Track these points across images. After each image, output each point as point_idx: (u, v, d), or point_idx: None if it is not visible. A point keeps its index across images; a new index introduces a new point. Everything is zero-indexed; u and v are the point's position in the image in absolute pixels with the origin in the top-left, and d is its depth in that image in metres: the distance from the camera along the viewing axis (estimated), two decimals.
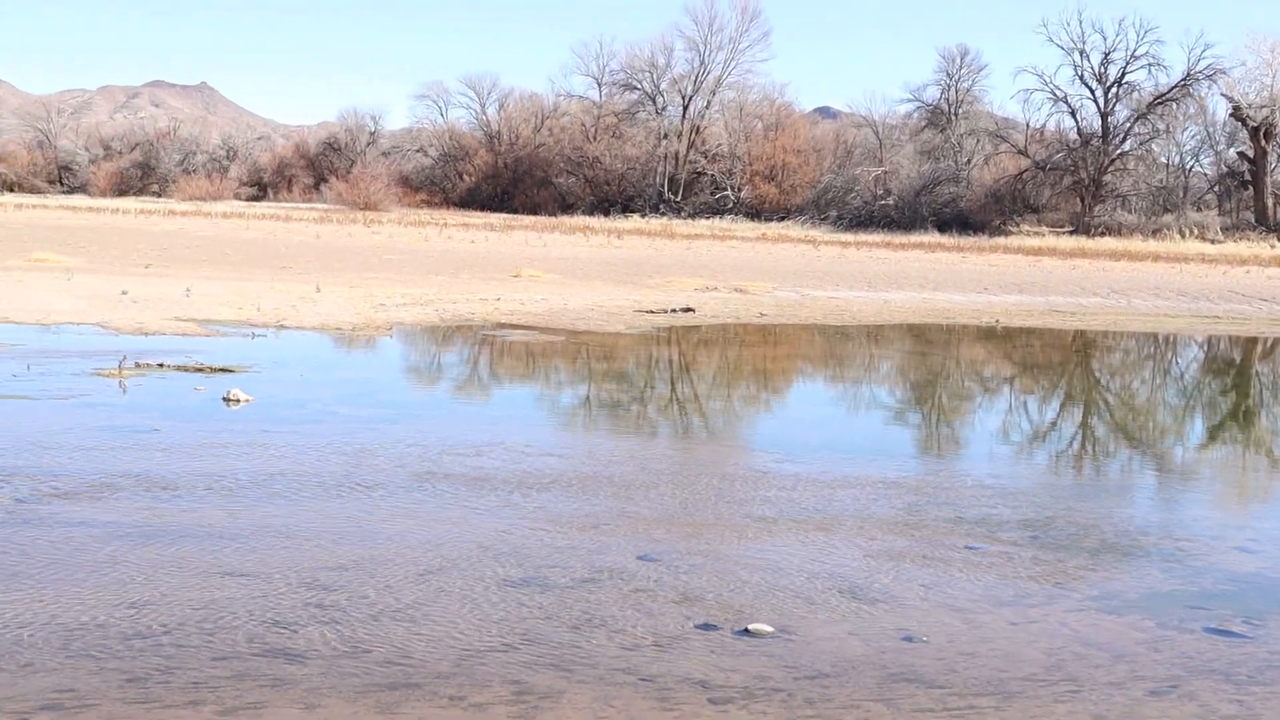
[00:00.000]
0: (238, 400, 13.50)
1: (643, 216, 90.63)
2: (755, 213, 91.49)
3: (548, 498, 9.82)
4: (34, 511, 8.76)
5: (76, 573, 7.49)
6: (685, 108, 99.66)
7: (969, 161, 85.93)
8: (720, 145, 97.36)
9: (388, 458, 11.01)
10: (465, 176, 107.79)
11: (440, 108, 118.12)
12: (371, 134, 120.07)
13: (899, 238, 71.73)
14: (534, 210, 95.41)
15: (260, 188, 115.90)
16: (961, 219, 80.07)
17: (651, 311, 26.07)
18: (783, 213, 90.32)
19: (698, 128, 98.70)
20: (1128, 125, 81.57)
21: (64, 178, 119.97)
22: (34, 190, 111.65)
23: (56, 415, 12.40)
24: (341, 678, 6.08)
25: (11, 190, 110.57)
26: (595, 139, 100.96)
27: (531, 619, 7.00)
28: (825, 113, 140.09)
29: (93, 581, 7.34)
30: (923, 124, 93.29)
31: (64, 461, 10.33)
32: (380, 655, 6.39)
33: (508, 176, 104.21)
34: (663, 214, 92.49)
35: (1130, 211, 79.24)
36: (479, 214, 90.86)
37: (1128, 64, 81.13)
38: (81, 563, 7.67)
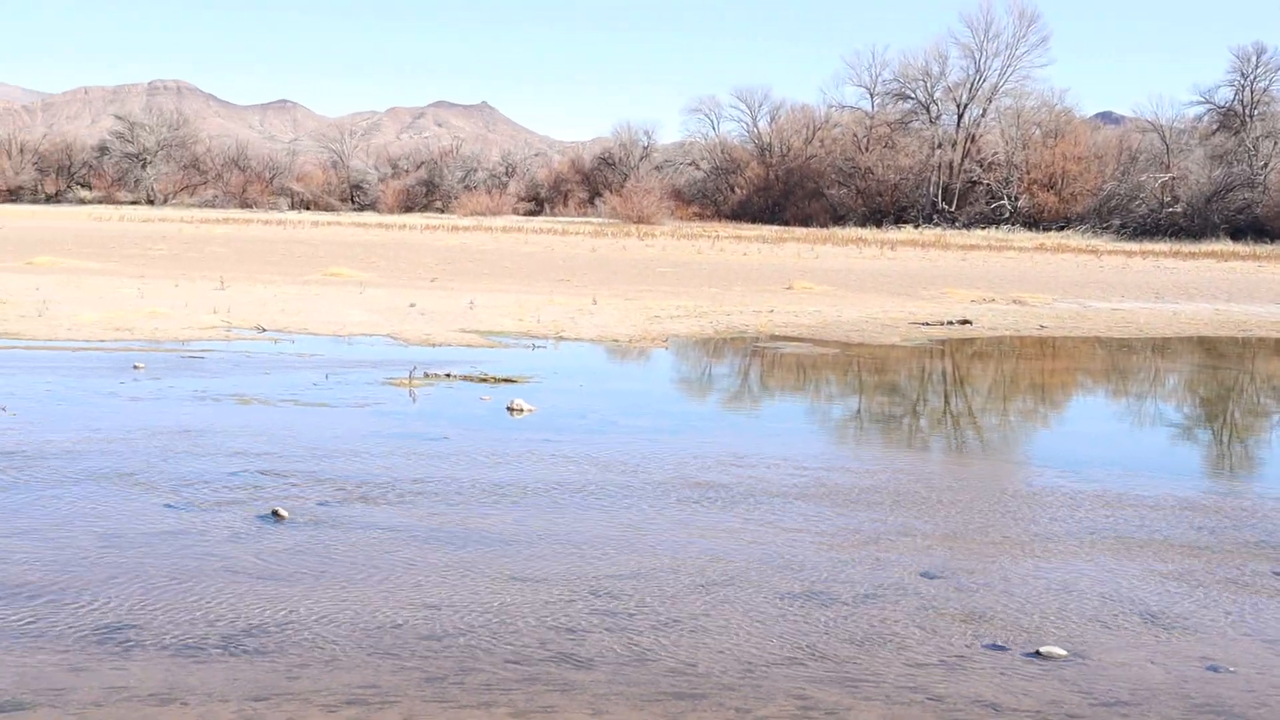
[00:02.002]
0: (521, 410, 13.88)
1: (915, 227, 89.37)
2: (1033, 222, 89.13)
3: (826, 511, 9.75)
4: (336, 514, 9.19)
5: (375, 574, 7.81)
6: (960, 116, 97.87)
7: (1265, 165, 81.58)
8: (996, 153, 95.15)
9: (667, 468, 11.12)
10: (736, 189, 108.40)
11: (712, 121, 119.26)
12: (644, 148, 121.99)
13: (1188, 246, 68.78)
14: (805, 222, 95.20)
15: (537, 202, 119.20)
16: (1257, 226, 76.13)
17: (926, 324, 25.64)
18: (1062, 222, 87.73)
19: (973, 136, 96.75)
20: None
21: (355, 196, 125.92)
22: (328, 208, 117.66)
23: (353, 422, 12.99)
24: (628, 685, 6.16)
25: (308, 208, 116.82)
26: (867, 149, 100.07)
27: (815, 633, 6.96)
28: (1107, 118, 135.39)
29: (391, 583, 7.64)
30: (1214, 127, 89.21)
31: (362, 467, 10.81)
32: (665, 664, 6.45)
33: (779, 188, 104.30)
34: (936, 224, 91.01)
35: None
36: (750, 226, 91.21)
37: None
38: (380, 564, 8.01)
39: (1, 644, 6.49)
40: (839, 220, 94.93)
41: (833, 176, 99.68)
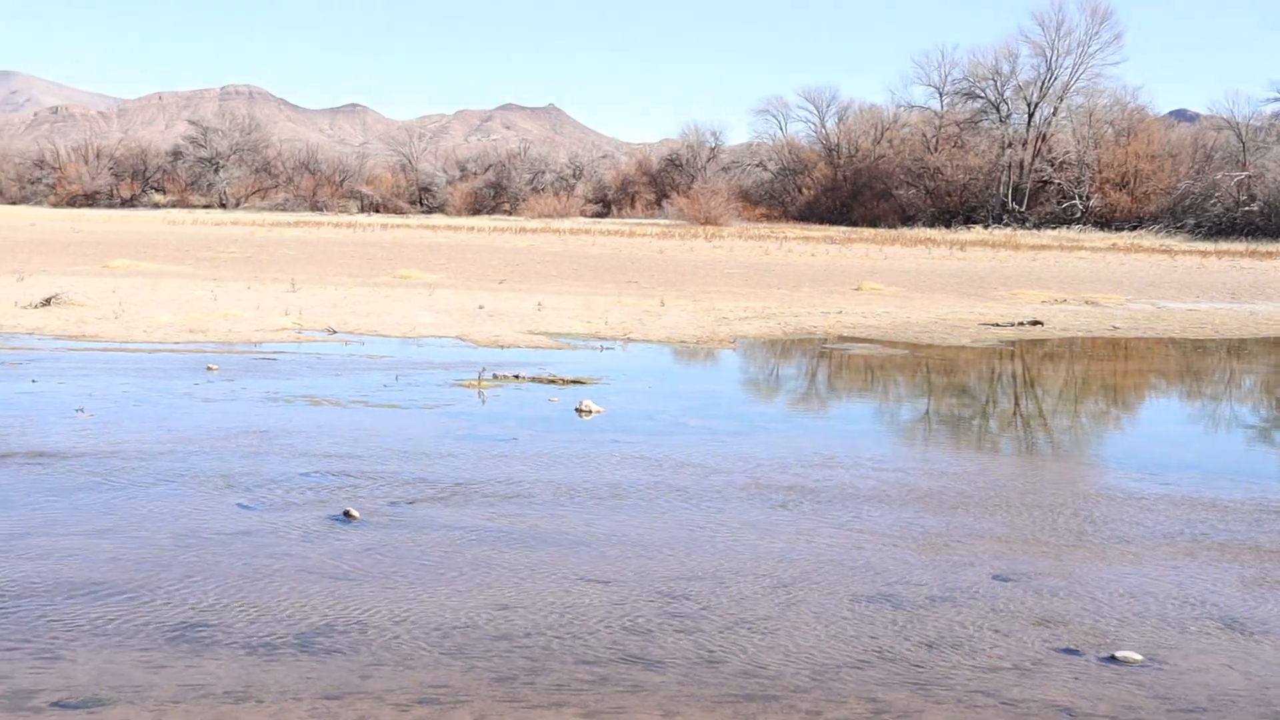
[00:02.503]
0: (590, 411, 13.90)
1: (985, 228, 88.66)
2: (1105, 222, 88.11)
3: (897, 513, 9.69)
4: (407, 515, 9.26)
5: (446, 574, 7.86)
6: (1030, 115, 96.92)
7: None
8: (1068, 153, 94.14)
9: (737, 470, 11.10)
10: (804, 190, 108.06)
11: (779, 122, 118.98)
12: (712, 149, 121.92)
13: (1265, 246, 67.75)
14: (873, 223, 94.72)
15: (605, 204, 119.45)
16: None
17: (997, 325, 25.41)
18: (1135, 221, 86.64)
19: (1044, 135, 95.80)
20: None
21: (423, 198, 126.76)
22: (397, 211, 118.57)
23: (424, 423, 13.08)
24: (699, 687, 6.16)
25: (377, 211, 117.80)
26: (936, 149, 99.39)
27: (885, 636, 6.91)
28: (1181, 115, 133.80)
29: (461, 583, 7.69)
30: None
31: (432, 468, 10.88)
32: (736, 666, 6.44)
33: (847, 189, 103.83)
34: (1006, 225, 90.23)
35: None
36: (818, 227, 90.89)
37: None
38: (450, 564, 8.05)
39: (82, 641, 6.60)
40: (907, 221, 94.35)
41: (901, 177, 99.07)
